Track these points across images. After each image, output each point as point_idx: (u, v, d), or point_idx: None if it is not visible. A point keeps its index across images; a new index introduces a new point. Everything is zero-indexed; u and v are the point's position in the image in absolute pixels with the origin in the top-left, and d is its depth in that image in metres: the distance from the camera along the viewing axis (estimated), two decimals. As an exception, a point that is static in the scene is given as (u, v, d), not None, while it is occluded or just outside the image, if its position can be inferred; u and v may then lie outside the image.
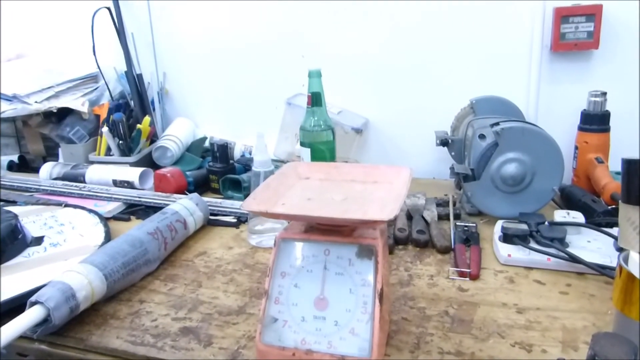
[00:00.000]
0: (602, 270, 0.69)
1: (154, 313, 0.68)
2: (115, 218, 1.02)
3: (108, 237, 0.87)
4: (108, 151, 1.32)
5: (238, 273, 0.79)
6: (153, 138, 1.38)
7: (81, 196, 1.10)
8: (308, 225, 0.62)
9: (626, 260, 0.55)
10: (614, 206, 0.88)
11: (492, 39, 1.10)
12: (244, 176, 1.11)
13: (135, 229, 0.80)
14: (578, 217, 0.81)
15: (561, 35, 1.01)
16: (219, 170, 1.14)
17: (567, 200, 0.94)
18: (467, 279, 0.73)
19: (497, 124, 0.87)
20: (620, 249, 0.74)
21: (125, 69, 1.38)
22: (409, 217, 0.94)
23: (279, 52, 1.29)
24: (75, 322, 0.65)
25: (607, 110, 0.97)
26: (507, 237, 0.78)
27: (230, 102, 1.39)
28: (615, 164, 0.98)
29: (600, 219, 0.84)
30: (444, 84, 1.17)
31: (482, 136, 0.90)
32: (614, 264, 0.71)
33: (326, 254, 0.59)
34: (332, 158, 1.03)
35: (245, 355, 0.59)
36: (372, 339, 0.54)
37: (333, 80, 1.03)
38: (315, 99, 0.97)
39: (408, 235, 0.85)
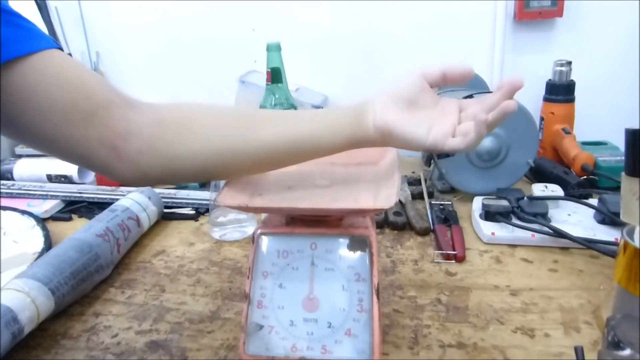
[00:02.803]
0: (589, 245, 0.67)
1: (113, 327, 0.60)
2: (54, 218, 0.91)
3: (49, 242, 0.76)
4: (38, 142, 1.17)
5: (204, 272, 0.71)
6: (89, 125, 1.25)
7: (10, 195, 0.97)
8: (289, 216, 0.55)
9: (630, 234, 0.52)
10: (586, 177, 0.87)
11: (455, 9, 1.06)
12: (198, 163, 1.02)
13: (81, 232, 0.70)
14: (557, 190, 0.79)
15: (525, 4, 0.98)
16: (169, 158, 1.04)
17: (538, 173, 0.93)
18: (453, 261, 0.69)
19: (470, 96, 0.83)
20: (601, 221, 0.73)
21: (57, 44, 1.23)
22: (381, 198, 0.89)
23: (226, 25, 1.19)
24: (20, 347, 0.55)
25: (572, 80, 0.96)
26: (489, 215, 0.75)
27: (176, 82, 1.28)
28: (580, 134, 0.98)
29: (575, 190, 0.83)
30: (406, 56, 1.12)
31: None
32: (597, 237, 0.69)
33: (313, 248, 0.52)
34: (295, 139, 0.96)
35: (227, 368, 0.52)
36: (372, 340, 0.49)
37: (288, 55, 0.95)
38: (275, 75, 0.90)
39: (385, 218, 0.81)
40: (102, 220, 0.73)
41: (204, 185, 0.99)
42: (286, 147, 0.50)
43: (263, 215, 0.59)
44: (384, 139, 0.49)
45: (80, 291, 0.63)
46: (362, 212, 0.50)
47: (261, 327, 0.51)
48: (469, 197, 0.86)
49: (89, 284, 0.65)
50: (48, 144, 0.47)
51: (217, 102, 0.54)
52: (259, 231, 0.54)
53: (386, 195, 0.49)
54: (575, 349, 0.45)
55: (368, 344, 0.49)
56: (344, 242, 0.52)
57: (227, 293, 0.65)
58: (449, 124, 0.48)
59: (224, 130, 0.50)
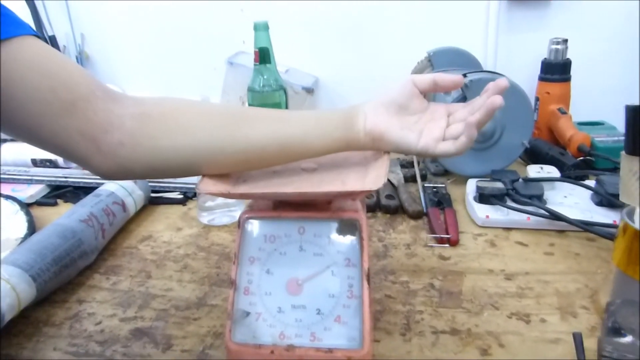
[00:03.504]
0: (586, 227, 0.65)
1: (97, 314, 0.58)
2: (39, 203, 0.89)
3: (32, 227, 0.74)
4: (23, 126, 1.14)
5: (192, 258, 0.69)
6: (75, 109, 1.22)
7: (-6, 180, 0.95)
8: (276, 199, 0.53)
9: (630, 216, 0.51)
10: (582, 158, 0.85)
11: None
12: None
13: (64, 217, 0.68)
14: (553, 171, 0.78)
15: (520, -20, 0.95)
16: (157, 142, 1.01)
17: (533, 154, 0.91)
18: (447, 245, 0.68)
19: (464, 75, 0.81)
20: (599, 203, 0.71)
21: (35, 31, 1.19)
22: (374, 181, 0.87)
23: (214, 5, 1.15)
24: (1, 335, 0.54)
25: (568, 59, 0.94)
26: (483, 197, 0.73)
27: (162, 64, 1.25)
28: (576, 115, 0.96)
29: (571, 172, 0.82)
30: (397, 35, 1.09)
31: (446, 90, 0.83)
32: (594, 219, 0.68)
33: (301, 232, 0.51)
34: (285, 122, 0.94)
35: (213, 356, 0.51)
36: (362, 327, 0.47)
37: (277, 36, 0.92)
38: (264, 55, 0.87)
39: (377, 202, 0.79)
40: (85, 205, 0.71)
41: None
42: (274, 147, 0.49)
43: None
44: (375, 142, 0.50)
45: (63, 278, 0.62)
46: (350, 195, 0.48)
47: (248, 314, 0.49)
48: (462, 180, 0.84)
49: (72, 270, 0.63)
50: (26, 134, 0.45)
51: (206, 98, 0.52)
52: (245, 215, 0.52)
53: (375, 177, 0.47)
54: (574, 335, 0.44)
55: (358, 331, 0.47)
56: (333, 226, 0.50)
57: (215, 279, 0.64)
58: (438, 129, 0.49)
59: (210, 126, 0.49)
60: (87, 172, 0.94)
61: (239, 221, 0.52)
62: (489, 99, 0.46)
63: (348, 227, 0.50)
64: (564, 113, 0.93)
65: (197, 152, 0.48)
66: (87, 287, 0.63)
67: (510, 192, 0.73)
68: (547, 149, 0.89)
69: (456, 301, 0.57)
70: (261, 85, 0.88)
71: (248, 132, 0.49)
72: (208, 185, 0.49)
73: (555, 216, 0.67)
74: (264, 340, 0.48)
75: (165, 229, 0.78)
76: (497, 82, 0.48)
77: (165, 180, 0.89)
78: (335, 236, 0.50)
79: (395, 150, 0.50)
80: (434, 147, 0.48)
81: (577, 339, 0.43)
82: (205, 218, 0.78)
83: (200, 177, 0.50)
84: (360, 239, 0.49)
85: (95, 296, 0.61)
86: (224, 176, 0.51)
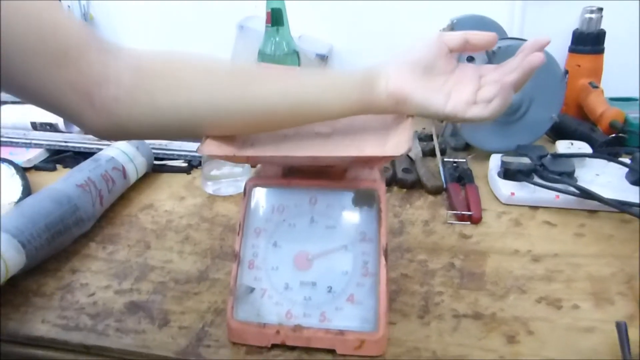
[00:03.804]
0: (622, 207, 0.60)
1: (90, 285, 0.54)
2: (37, 168, 0.85)
3: (27, 192, 0.70)
4: (24, 89, 1.10)
5: (194, 229, 0.65)
6: (79, 73, 1.17)
7: (-8, 143, 0.91)
8: (286, 167, 0.48)
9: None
10: (614, 134, 0.79)
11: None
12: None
13: (60, 182, 0.63)
14: (584, 147, 0.72)
15: (554, -59, 0.88)
16: (162, 108, 0.96)
17: (560, 131, 0.85)
18: (468, 223, 0.63)
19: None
20: (635, 182, 0.66)
21: (38, -10, 1.14)
22: (389, 154, 0.82)
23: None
24: (-15, 305, 0.50)
25: (602, 29, 0.87)
26: (509, 173, 0.68)
27: (170, 28, 1.19)
28: (609, 90, 0.89)
29: (603, 149, 0.76)
30: (418, 3, 1.02)
31: (470, 58, 0.77)
32: (629, 199, 0.62)
33: (312, 202, 0.46)
34: (297, 89, 0.88)
35: (214, 334, 0.47)
36: (377, 308, 0.43)
37: (290, 1, 0.86)
38: (276, 17, 0.81)
39: (393, 175, 0.74)
40: (83, 170, 0.67)
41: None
42: (285, 108, 0.44)
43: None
44: (398, 106, 0.45)
45: (56, 245, 0.58)
46: (368, 161, 0.43)
47: (252, 290, 0.45)
48: (484, 156, 0.78)
49: (67, 238, 0.59)
50: (15, 87, 0.41)
51: (212, 53, 0.47)
52: (251, 182, 0.48)
53: (396, 142, 0.42)
54: (618, 324, 0.39)
55: (373, 312, 0.43)
56: (348, 196, 0.46)
57: (218, 252, 0.59)
58: (468, 91, 0.44)
59: (214, 82, 0.44)
60: (88, 137, 0.90)
61: (244, 189, 0.47)
62: (527, 57, 0.41)
63: (365, 198, 0.45)
64: (596, 87, 0.86)
65: (199, 111, 0.44)
66: (81, 256, 0.60)
67: (538, 168, 0.67)
68: (575, 124, 0.83)
69: (479, 283, 0.52)
70: (273, 48, 0.83)
71: (256, 91, 0.44)
72: (211, 147, 0.44)
73: (588, 195, 0.61)
74: (269, 319, 0.44)
75: (168, 198, 0.73)
76: (536, 40, 0.43)
77: (169, 147, 0.84)
78: (350, 208, 0.45)
79: (420, 114, 0.45)
80: (464, 111, 0.43)
81: (622, 328, 0.38)
82: (210, 188, 0.74)
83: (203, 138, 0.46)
84: (378, 211, 0.45)
85: (90, 266, 0.58)
86: (230, 138, 0.47)
